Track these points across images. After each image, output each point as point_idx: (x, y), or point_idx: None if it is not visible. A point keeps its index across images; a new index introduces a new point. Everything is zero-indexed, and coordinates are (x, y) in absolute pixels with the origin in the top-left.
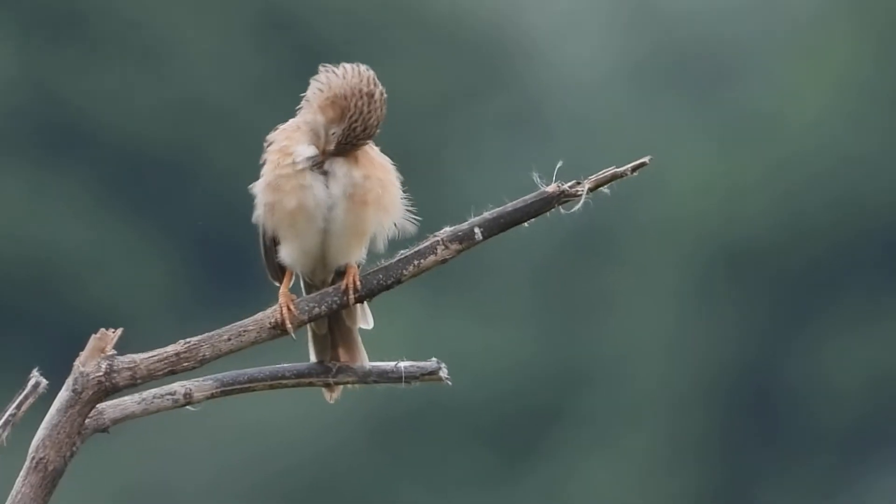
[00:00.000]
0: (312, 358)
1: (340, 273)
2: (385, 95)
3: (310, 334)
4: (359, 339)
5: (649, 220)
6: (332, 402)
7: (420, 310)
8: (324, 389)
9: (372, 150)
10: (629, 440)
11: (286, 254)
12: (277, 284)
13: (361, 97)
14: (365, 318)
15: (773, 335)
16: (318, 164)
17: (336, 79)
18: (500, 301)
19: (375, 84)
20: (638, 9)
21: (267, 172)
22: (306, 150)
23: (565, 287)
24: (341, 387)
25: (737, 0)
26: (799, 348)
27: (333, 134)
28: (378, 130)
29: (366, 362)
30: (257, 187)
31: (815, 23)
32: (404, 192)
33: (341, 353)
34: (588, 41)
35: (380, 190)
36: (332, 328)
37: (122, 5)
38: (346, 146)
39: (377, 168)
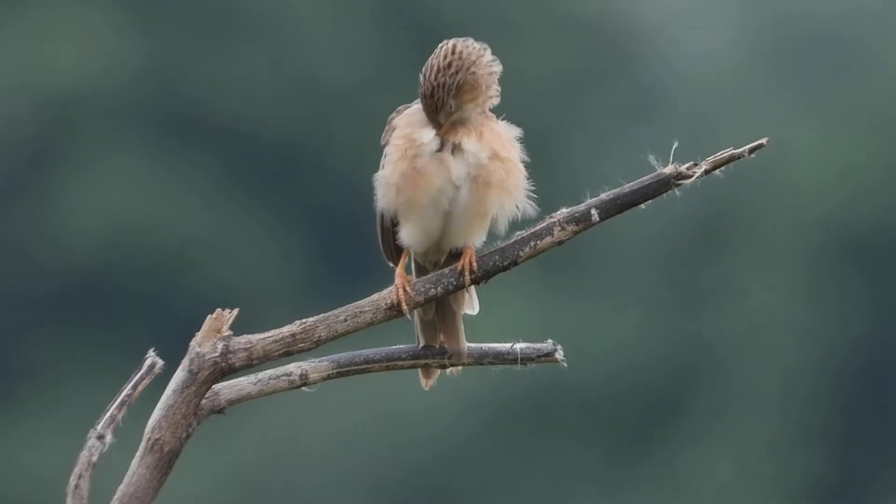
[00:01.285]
0: (420, 341)
1: (454, 255)
2: (463, 63)
3: (416, 318)
4: (461, 324)
5: (769, 205)
6: (427, 388)
7: (536, 292)
8: (420, 375)
9: (497, 125)
10: (748, 427)
11: (406, 234)
12: (393, 266)
13: (430, 65)
14: (471, 304)
15: (892, 318)
16: (438, 143)
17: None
18: (618, 284)
19: (451, 52)
20: None
21: (391, 154)
22: (429, 134)
23: (684, 271)
24: (437, 373)
25: None
26: None
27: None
28: (452, 98)
29: (464, 347)
30: (385, 168)
31: None
32: (527, 172)
33: (443, 337)
34: (707, 27)
35: (503, 173)
36: (437, 311)
37: None
38: (432, 113)
39: (502, 146)
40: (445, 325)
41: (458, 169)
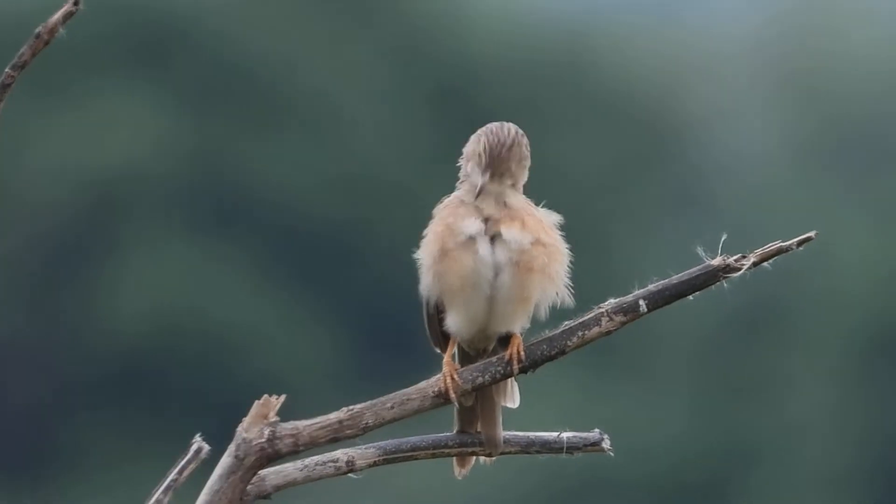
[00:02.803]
0: (455, 428)
1: (501, 341)
2: (522, 138)
3: (455, 406)
4: (500, 414)
5: (813, 298)
6: (460, 477)
7: (582, 380)
8: (455, 464)
9: (538, 212)
10: None
11: (451, 321)
12: (439, 351)
13: (491, 128)
14: (512, 397)
15: None
16: (480, 197)
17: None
18: (662, 375)
19: (512, 128)
20: (802, 87)
21: (430, 242)
22: (472, 225)
23: (729, 362)
24: (472, 463)
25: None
26: None
27: (478, 165)
28: (517, 163)
29: (501, 438)
30: (423, 254)
31: None
32: (570, 260)
33: (481, 425)
34: (753, 119)
35: (545, 258)
36: (477, 399)
37: (293, 78)
38: (492, 171)
39: (544, 232)
40: (484, 413)
41: (500, 253)
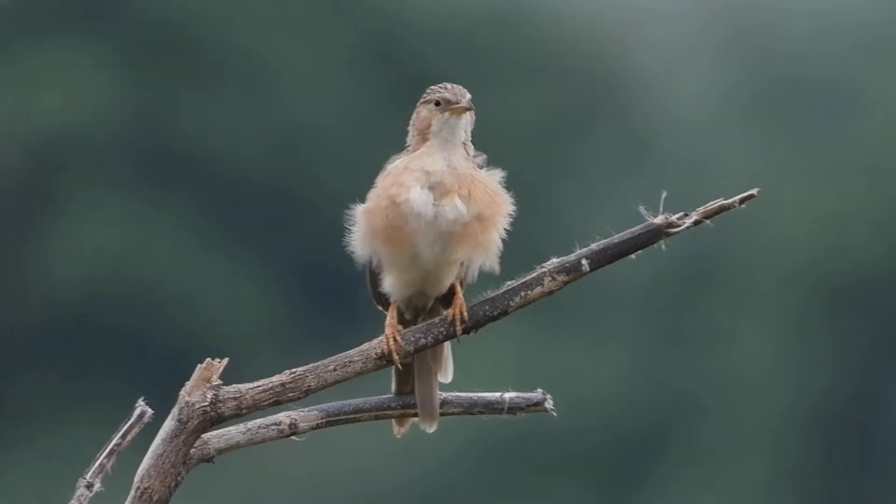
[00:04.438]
0: (393, 390)
1: (441, 300)
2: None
3: (393, 367)
4: (436, 383)
5: (758, 253)
6: (399, 436)
7: (525, 339)
8: (393, 423)
9: (491, 182)
10: (732, 472)
11: (389, 284)
12: (380, 309)
13: (442, 84)
14: (445, 371)
15: (879, 368)
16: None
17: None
18: (605, 331)
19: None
20: (746, 44)
21: (374, 210)
22: (418, 197)
23: (671, 318)
24: (411, 422)
25: (846, 35)
26: None
27: (450, 96)
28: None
29: (437, 406)
30: (363, 219)
31: None
32: (510, 226)
33: (416, 393)
34: (695, 76)
35: (480, 235)
36: (414, 363)
37: (230, 32)
38: (449, 108)
39: (487, 204)
40: (421, 382)
41: (441, 225)
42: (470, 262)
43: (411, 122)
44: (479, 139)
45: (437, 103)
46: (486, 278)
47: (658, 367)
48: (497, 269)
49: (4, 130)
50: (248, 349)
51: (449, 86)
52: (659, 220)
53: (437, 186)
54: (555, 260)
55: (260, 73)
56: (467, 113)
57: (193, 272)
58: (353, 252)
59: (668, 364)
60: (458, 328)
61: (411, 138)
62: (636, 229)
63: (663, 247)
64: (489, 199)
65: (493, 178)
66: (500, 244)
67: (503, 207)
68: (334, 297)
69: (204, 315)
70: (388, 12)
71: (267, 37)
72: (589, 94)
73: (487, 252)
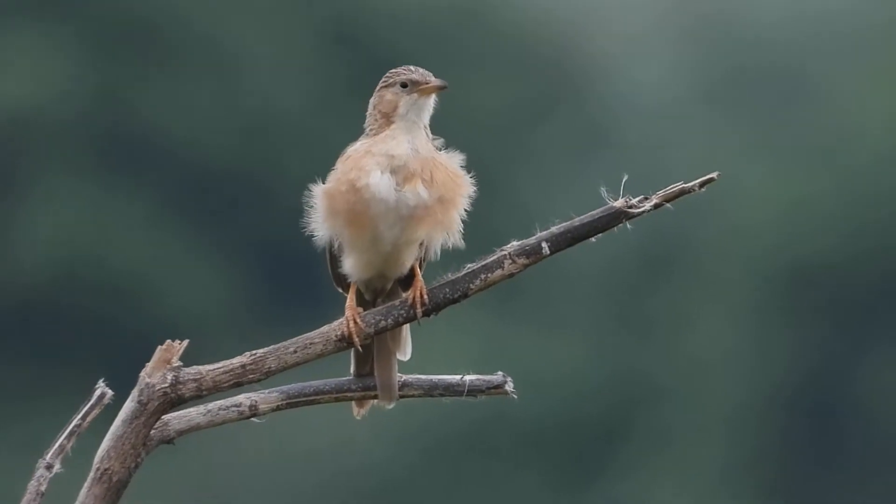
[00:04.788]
0: (352, 371)
1: (400, 282)
2: None
3: (352, 349)
4: (395, 363)
5: (717, 239)
6: (359, 417)
7: (485, 322)
8: (353, 405)
9: (452, 164)
10: (692, 456)
11: (349, 265)
12: (340, 291)
13: (405, 66)
14: (404, 349)
15: (839, 350)
16: (390, 188)
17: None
18: (564, 315)
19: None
20: (705, 29)
21: (334, 193)
22: (380, 182)
23: (631, 302)
24: (370, 404)
25: (806, 23)
26: (865, 364)
27: (417, 78)
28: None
29: (396, 386)
30: (324, 202)
31: (885, 41)
32: (470, 207)
33: (376, 374)
34: (657, 62)
35: (440, 215)
36: (373, 345)
37: (192, 17)
38: (418, 89)
39: (450, 188)
40: (380, 362)
41: (402, 209)
42: (430, 241)
43: (372, 105)
44: (441, 124)
45: (404, 85)
46: (448, 259)
47: (617, 351)
48: (462, 244)
49: None
50: (209, 332)
51: (412, 68)
52: (619, 203)
53: (400, 170)
54: (515, 243)
55: (221, 58)
56: (433, 94)
57: (154, 256)
58: (313, 234)
59: (628, 348)
60: (419, 311)
61: (371, 122)
62: (596, 212)
63: (628, 226)
64: (451, 181)
65: (453, 161)
66: (460, 223)
67: (464, 189)
68: (295, 281)
69: (165, 299)
70: None
71: (229, 21)
72: (549, 79)
73: (449, 230)
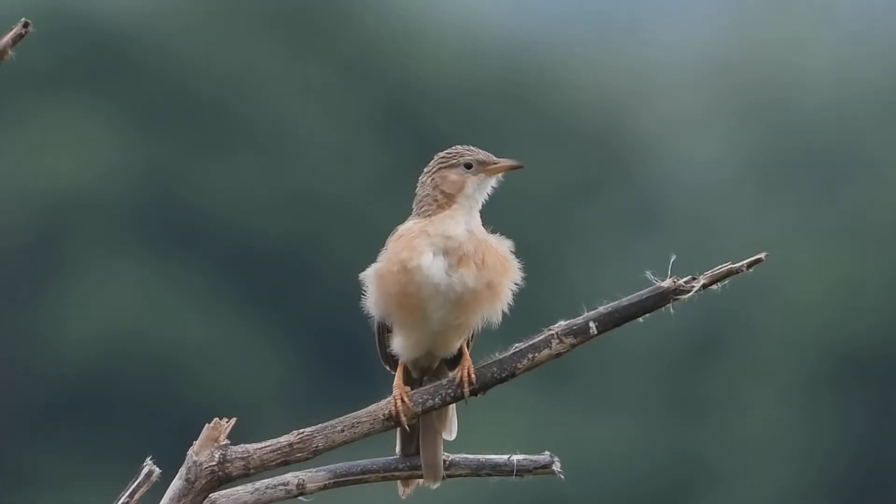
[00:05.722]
0: (398, 450)
1: (447, 361)
2: None
3: (399, 428)
4: (441, 443)
5: (766, 320)
6: (404, 497)
7: (533, 402)
8: (399, 484)
9: (502, 248)
10: None
11: (397, 344)
12: (388, 369)
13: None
14: (450, 429)
15: (886, 434)
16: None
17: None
18: (615, 397)
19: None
20: (754, 110)
21: (385, 273)
22: (432, 264)
23: (678, 383)
24: (415, 482)
25: (855, 102)
26: None
27: (469, 170)
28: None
29: (441, 466)
30: (374, 282)
31: None
32: (521, 281)
33: (421, 453)
34: (707, 143)
35: (487, 302)
36: (419, 426)
37: (244, 98)
38: (485, 169)
39: (498, 272)
40: (426, 441)
41: (451, 294)
42: (477, 324)
43: (431, 185)
44: (492, 203)
45: (469, 165)
46: (494, 340)
47: (665, 431)
48: (496, 322)
49: (15, 192)
50: (257, 410)
51: (472, 148)
52: (667, 283)
53: (455, 251)
54: (563, 322)
55: (272, 138)
56: (501, 174)
57: (203, 334)
58: (369, 314)
59: (675, 429)
60: (466, 390)
61: (429, 203)
62: (644, 293)
63: (672, 310)
64: (500, 265)
65: (503, 245)
66: (505, 306)
67: (512, 274)
68: (343, 360)
69: (213, 378)
70: (400, 81)
71: (280, 101)
72: (598, 160)
73: (494, 314)
